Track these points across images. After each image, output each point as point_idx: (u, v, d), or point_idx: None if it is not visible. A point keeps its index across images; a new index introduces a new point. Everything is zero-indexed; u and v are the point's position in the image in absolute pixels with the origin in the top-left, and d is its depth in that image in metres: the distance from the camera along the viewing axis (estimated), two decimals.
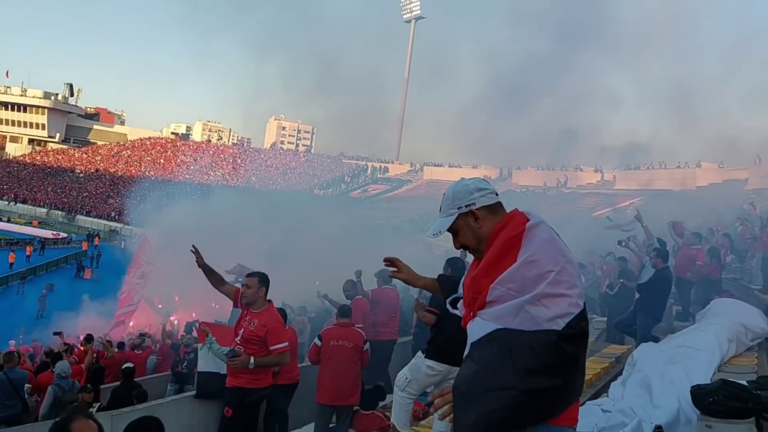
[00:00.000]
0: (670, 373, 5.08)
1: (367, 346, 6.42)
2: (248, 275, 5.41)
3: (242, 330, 5.25)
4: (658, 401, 4.70)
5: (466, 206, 2.31)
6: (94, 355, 9.55)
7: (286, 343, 5.28)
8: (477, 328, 2.15)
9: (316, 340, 6.39)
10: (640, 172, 45.11)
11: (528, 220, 2.23)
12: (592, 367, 7.94)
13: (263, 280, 5.30)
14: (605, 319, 10.64)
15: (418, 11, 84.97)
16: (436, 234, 2.40)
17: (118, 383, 8.37)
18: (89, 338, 10.41)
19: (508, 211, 2.34)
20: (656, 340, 7.21)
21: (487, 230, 2.28)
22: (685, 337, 6.19)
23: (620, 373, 6.31)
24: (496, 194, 2.36)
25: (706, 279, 10.11)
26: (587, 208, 37.36)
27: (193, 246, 5.48)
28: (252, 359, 5.08)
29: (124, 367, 8.51)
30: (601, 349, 9.24)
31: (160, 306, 17.13)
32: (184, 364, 9.52)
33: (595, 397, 6.56)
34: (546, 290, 2.07)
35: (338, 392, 6.18)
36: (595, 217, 26.84)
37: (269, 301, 5.38)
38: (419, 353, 4.97)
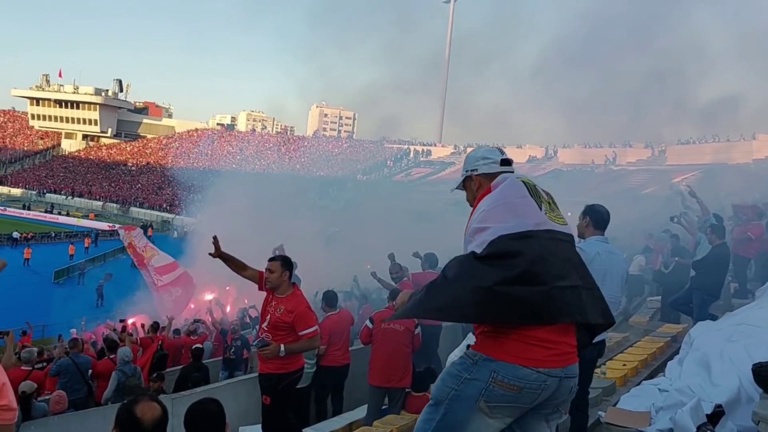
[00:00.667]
0: (730, 351, 4.95)
1: (418, 329, 6.44)
2: (270, 259, 5.23)
3: (269, 316, 5.08)
4: (717, 380, 4.60)
5: (471, 171, 2.73)
6: (160, 342, 9.85)
7: (315, 327, 5.09)
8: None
9: (368, 323, 6.46)
10: (692, 146, 43.71)
11: None
12: (648, 346, 7.81)
13: (286, 263, 5.13)
14: (660, 297, 10.42)
15: None
16: (452, 190, 2.91)
17: (180, 366, 8.69)
18: (155, 326, 10.74)
19: None
20: (714, 318, 7.02)
21: (481, 197, 2.64)
22: (744, 315, 6.01)
23: (677, 353, 6.19)
24: (503, 164, 2.70)
25: (764, 255, 9.77)
26: (637, 186, 36.53)
27: (214, 237, 5.26)
28: (282, 347, 4.93)
29: (194, 347, 8.80)
30: (657, 329, 9.07)
31: (211, 295, 17.54)
32: (232, 350, 9.63)
33: (651, 376, 6.47)
34: (475, 225, 2.50)
35: (390, 374, 6.24)
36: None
37: (294, 284, 5.21)
38: (469, 335, 4.96)
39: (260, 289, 5.31)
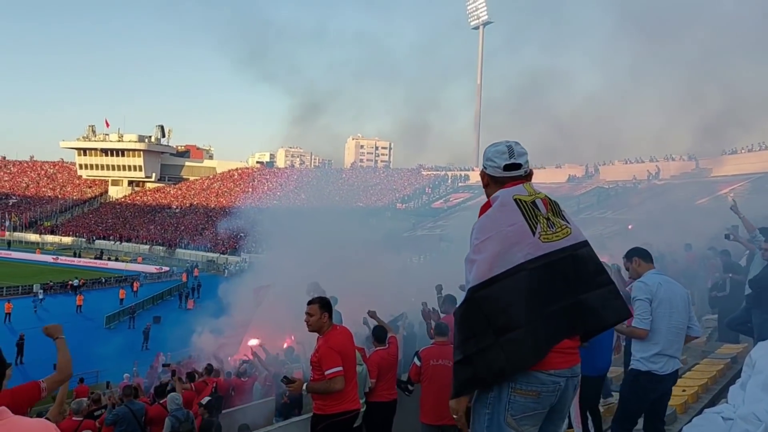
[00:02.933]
0: None
1: None
2: (309, 302, 5.11)
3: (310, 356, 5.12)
4: None
5: (483, 167, 2.79)
6: (214, 385, 9.88)
7: (336, 369, 4.87)
8: None
9: (416, 360, 6.39)
10: (739, 155, 42.46)
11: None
12: (707, 369, 7.54)
13: (324, 305, 5.05)
14: (716, 316, 10.06)
15: (486, 17, 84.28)
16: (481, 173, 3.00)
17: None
18: (209, 369, 10.81)
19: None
20: None
21: (488, 192, 2.75)
22: None
23: (738, 375, 5.95)
24: (507, 169, 2.69)
25: None
26: (685, 199, 35.65)
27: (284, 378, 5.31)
28: (305, 385, 4.96)
29: (204, 402, 8.67)
30: (715, 350, 8.77)
31: (255, 341, 17.66)
32: (287, 393, 9.27)
33: (713, 402, 6.22)
34: (470, 256, 2.56)
35: (442, 412, 6.13)
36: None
37: (333, 324, 5.12)
38: None
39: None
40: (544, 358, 2.48)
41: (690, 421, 5.10)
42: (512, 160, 2.69)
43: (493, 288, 2.46)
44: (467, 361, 2.49)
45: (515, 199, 2.60)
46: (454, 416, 2.64)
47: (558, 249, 2.55)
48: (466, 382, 2.53)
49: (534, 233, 2.53)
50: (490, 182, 2.75)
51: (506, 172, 2.69)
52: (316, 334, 5.11)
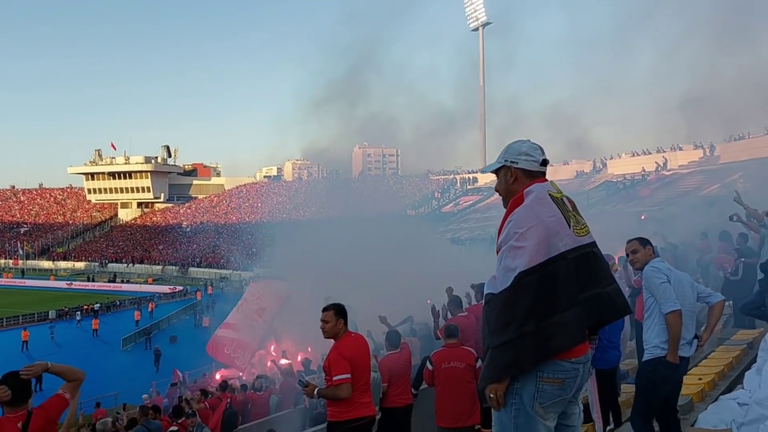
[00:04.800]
0: None
1: (479, 363, 6.32)
2: (324, 309, 5.10)
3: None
4: None
5: (511, 162, 2.78)
6: (228, 401, 9.91)
7: (343, 376, 4.85)
8: (486, 287, 2.74)
9: (428, 365, 6.37)
10: (746, 141, 42.11)
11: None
12: (723, 356, 7.47)
13: (339, 311, 5.04)
14: (731, 303, 9.96)
15: (485, 18, 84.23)
16: (484, 171, 3.19)
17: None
18: (224, 385, 10.85)
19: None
20: None
21: (515, 188, 2.75)
22: None
23: (754, 361, 5.88)
24: (542, 164, 2.78)
25: None
26: (693, 188, 35.45)
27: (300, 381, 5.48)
28: (316, 390, 5.02)
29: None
30: (731, 336, 8.69)
31: (273, 353, 17.69)
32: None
33: (729, 389, 6.16)
34: (513, 243, 2.59)
35: (458, 414, 6.12)
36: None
37: (348, 331, 5.12)
38: None
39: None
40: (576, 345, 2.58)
41: (706, 409, 5.06)
42: (544, 157, 2.81)
43: (540, 274, 2.54)
44: (508, 346, 2.53)
45: (549, 194, 2.71)
46: (491, 397, 2.66)
47: (586, 243, 2.69)
48: (505, 366, 2.56)
49: (569, 226, 2.66)
50: (520, 177, 2.77)
51: (541, 167, 2.79)
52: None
